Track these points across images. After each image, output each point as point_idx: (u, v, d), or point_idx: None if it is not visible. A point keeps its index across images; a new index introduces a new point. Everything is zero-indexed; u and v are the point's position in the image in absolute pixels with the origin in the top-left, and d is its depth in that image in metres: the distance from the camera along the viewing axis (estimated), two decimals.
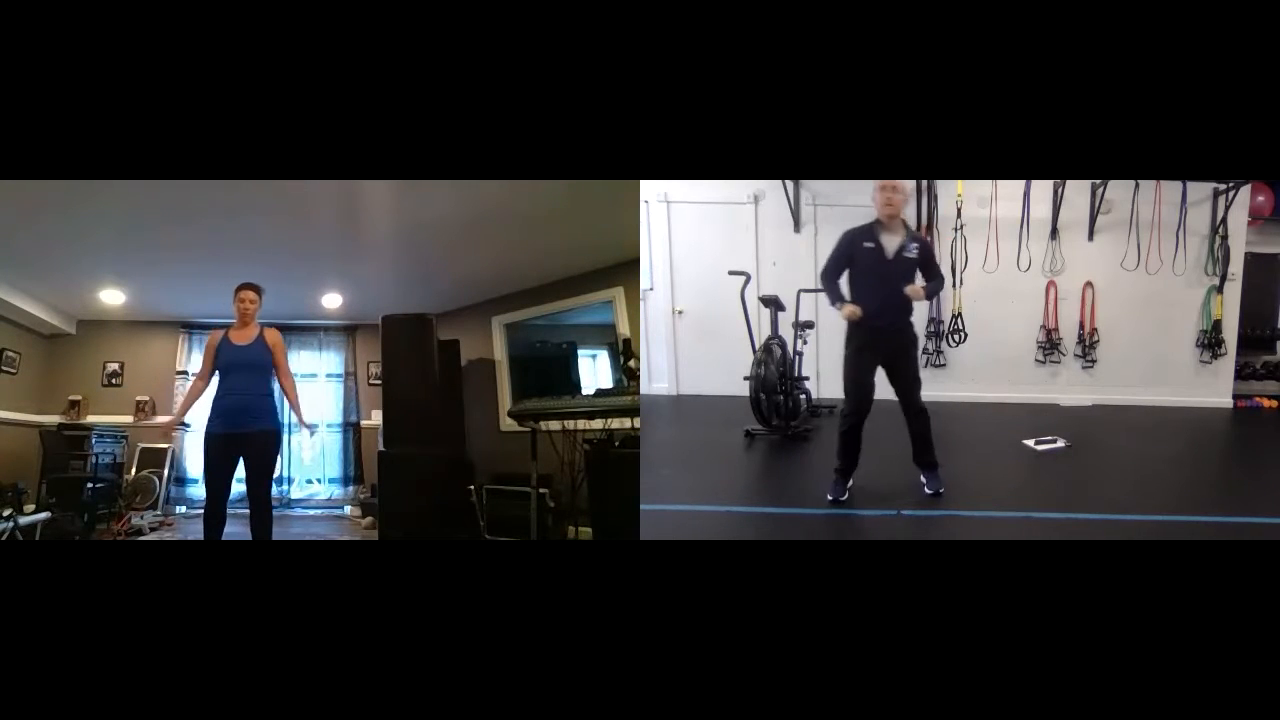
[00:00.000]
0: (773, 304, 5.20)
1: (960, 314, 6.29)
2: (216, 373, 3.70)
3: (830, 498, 3.63)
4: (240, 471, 3.61)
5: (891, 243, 3.56)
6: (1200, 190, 6.17)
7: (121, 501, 6.19)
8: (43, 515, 5.08)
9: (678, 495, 3.85)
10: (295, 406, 3.87)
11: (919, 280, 3.61)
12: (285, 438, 7.54)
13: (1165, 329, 6.34)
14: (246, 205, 4.19)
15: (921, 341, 6.36)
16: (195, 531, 6.12)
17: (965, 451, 5.15)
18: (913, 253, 3.58)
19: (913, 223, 6.17)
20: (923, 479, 3.77)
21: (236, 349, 3.70)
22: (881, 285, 3.54)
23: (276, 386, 3.81)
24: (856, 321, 3.52)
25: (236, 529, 3.63)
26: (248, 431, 3.56)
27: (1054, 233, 6.27)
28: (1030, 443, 4.95)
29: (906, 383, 3.69)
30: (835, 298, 3.64)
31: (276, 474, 7.40)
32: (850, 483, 3.68)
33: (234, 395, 3.60)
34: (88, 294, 6.35)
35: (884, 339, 3.58)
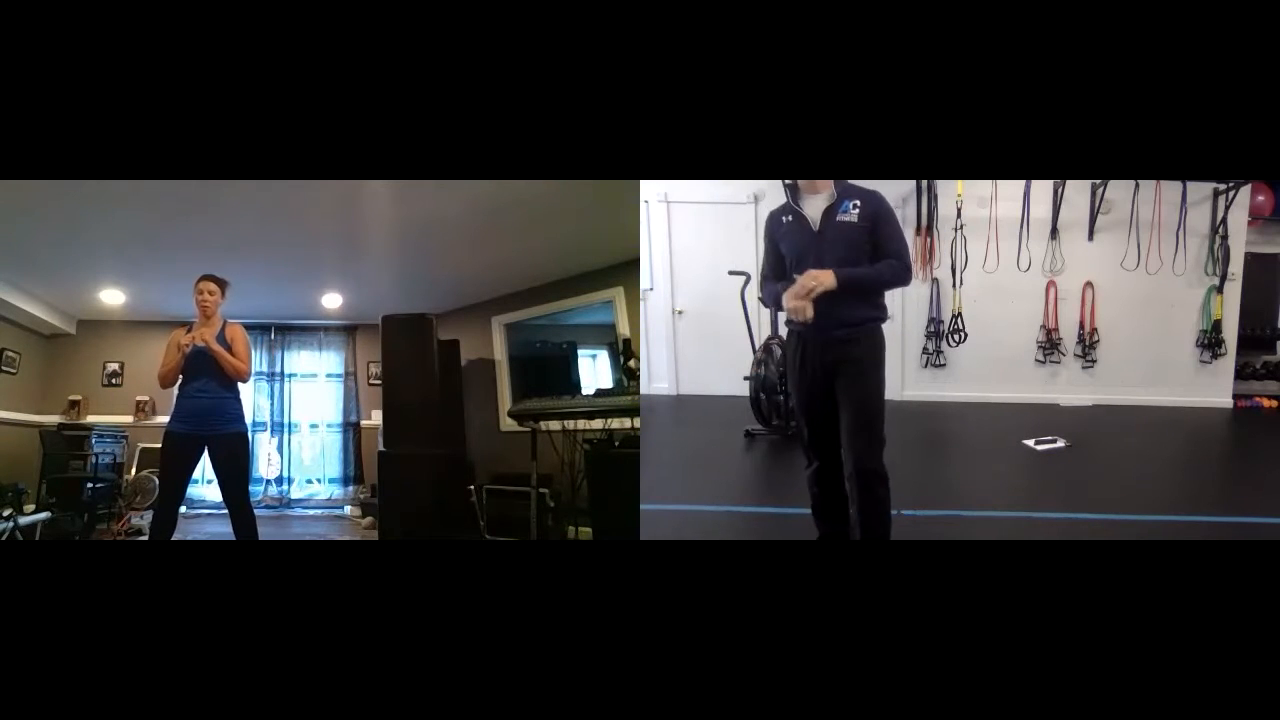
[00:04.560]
0: (773, 304, 5.20)
1: (960, 314, 6.30)
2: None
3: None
4: (205, 475, 3.46)
5: (816, 206, 2.51)
6: (1200, 190, 6.17)
7: (121, 501, 6.18)
8: (43, 515, 5.08)
9: (678, 495, 3.85)
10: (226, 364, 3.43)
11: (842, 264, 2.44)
12: (276, 437, 7.71)
13: (1165, 329, 6.35)
14: (246, 205, 4.19)
15: (921, 341, 6.42)
16: (195, 531, 6.14)
17: (965, 451, 5.16)
18: (851, 214, 2.46)
19: (912, 222, 6.21)
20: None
21: (197, 349, 3.44)
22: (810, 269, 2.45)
23: (242, 387, 3.57)
24: (793, 327, 2.58)
25: (223, 530, 3.59)
26: (212, 435, 3.39)
27: (1054, 233, 6.28)
28: (1030, 443, 4.96)
29: (848, 422, 2.53)
30: (770, 299, 2.68)
31: (278, 474, 7.54)
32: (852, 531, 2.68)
33: (197, 398, 3.42)
34: (88, 294, 6.35)
35: (820, 350, 2.54)
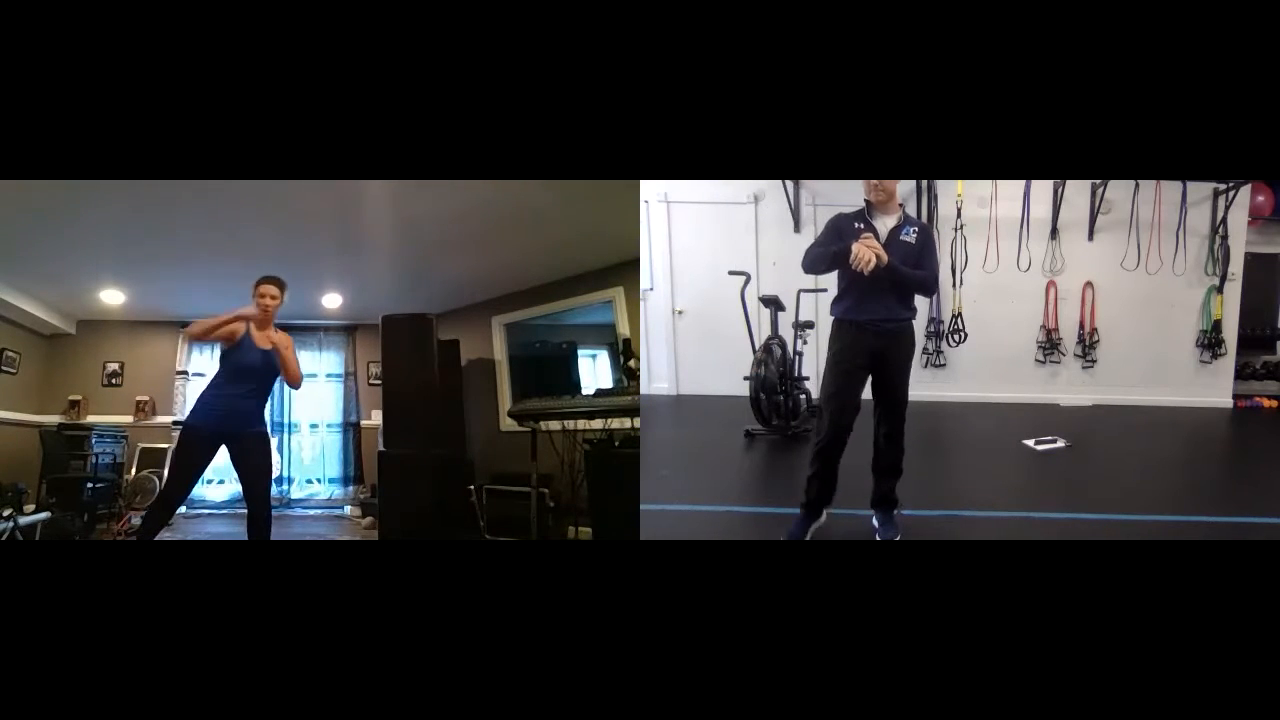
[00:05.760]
0: (773, 304, 5.20)
1: (960, 314, 6.30)
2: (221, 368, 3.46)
3: (786, 537, 3.14)
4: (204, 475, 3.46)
5: (885, 224, 3.05)
6: (1200, 190, 6.17)
7: (121, 501, 6.19)
8: (43, 515, 5.08)
9: (678, 495, 3.85)
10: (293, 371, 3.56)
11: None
12: (276, 437, 7.71)
13: (1165, 329, 6.35)
14: (247, 205, 4.19)
15: (921, 341, 6.41)
16: (195, 531, 6.14)
17: (965, 451, 5.16)
18: (910, 236, 3.04)
19: None
20: (875, 523, 3.26)
21: (258, 353, 3.44)
22: (872, 275, 2.90)
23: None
24: (841, 317, 3.04)
25: (233, 530, 3.59)
26: (236, 435, 3.37)
27: (1054, 233, 6.28)
28: (1030, 443, 4.96)
29: (891, 398, 3.12)
30: (828, 254, 2.98)
31: (278, 474, 7.54)
32: (819, 521, 3.22)
33: (232, 398, 3.39)
34: (88, 294, 6.35)
35: (871, 339, 3.02)
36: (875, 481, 3.24)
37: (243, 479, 3.45)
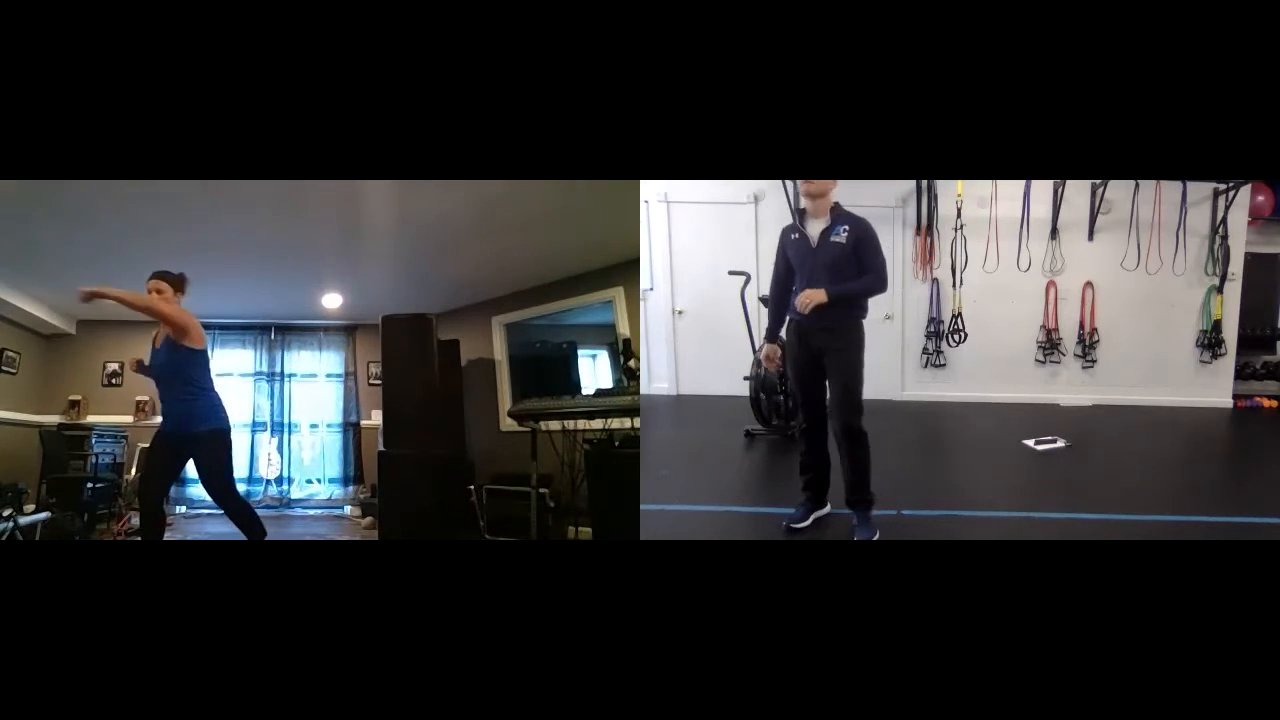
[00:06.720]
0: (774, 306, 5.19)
1: (960, 314, 6.29)
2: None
3: (786, 524, 3.31)
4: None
5: (816, 228, 3.18)
6: (1200, 190, 6.17)
7: (121, 501, 6.18)
8: (43, 515, 5.08)
9: (678, 495, 3.85)
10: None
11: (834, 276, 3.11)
12: (276, 437, 7.71)
13: (1165, 329, 6.34)
14: (246, 205, 4.19)
15: (921, 341, 6.42)
16: (195, 531, 6.15)
17: (965, 451, 5.16)
18: (841, 236, 3.13)
19: (912, 222, 6.23)
20: (853, 522, 3.27)
21: (154, 354, 3.48)
22: (807, 278, 3.17)
23: (215, 383, 3.56)
24: (794, 318, 3.24)
25: (233, 530, 3.59)
26: (191, 434, 3.40)
27: (1054, 233, 6.27)
28: (1030, 443, 4.96)
29: (834, 393, 3.21)
30: (770, 327, 3.36)
31: (278, 474, 7.54)
32: (822, 511, 3.40)
33: (171, 401, 3.45)
34: None
35: (810, 337, 3.20)
36: (845, 483, 3.26)
37: (200, 479, 3.48)
